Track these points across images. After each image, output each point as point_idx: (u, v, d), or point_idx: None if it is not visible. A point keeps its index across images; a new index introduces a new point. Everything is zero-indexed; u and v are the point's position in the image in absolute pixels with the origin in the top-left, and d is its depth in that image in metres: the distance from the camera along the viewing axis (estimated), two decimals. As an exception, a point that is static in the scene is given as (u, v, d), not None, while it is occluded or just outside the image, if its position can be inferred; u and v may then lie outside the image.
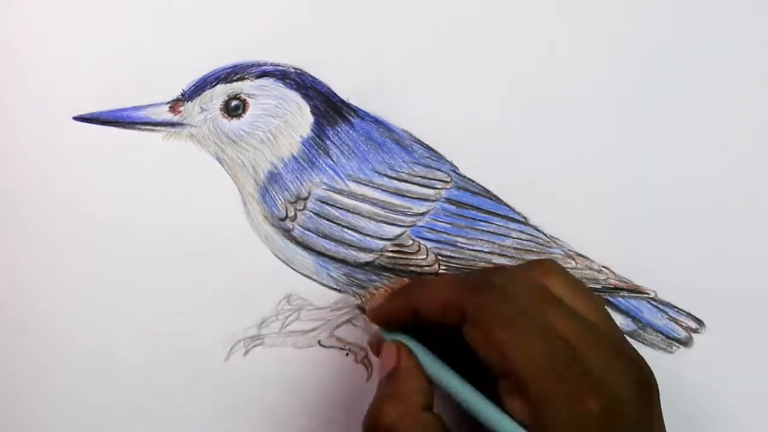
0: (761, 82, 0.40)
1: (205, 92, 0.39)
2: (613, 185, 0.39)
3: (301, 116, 0.39)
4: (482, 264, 0.39)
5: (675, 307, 0.39)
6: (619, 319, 0.39)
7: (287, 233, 0.39)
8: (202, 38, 0.40)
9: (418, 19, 0.40)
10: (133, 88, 0.39)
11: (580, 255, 0.39)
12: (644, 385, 0.30)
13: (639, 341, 0.39)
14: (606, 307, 0.34)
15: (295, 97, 0.39)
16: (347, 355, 0.39)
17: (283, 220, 0.39)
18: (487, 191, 0.39)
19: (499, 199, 0.39)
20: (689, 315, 0.39)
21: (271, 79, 0.39)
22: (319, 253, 0.39)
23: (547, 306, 0.31)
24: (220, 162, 0.39)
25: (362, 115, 0.39)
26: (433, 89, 0.40)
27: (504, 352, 0.30)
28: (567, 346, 0.29)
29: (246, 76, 0.39)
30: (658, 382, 0.31)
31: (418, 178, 0.39)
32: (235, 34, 0.40)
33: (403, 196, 0.39)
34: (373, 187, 0.39)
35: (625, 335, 0.35)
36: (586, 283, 0.39)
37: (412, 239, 0.39)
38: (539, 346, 0.29)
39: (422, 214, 0.39)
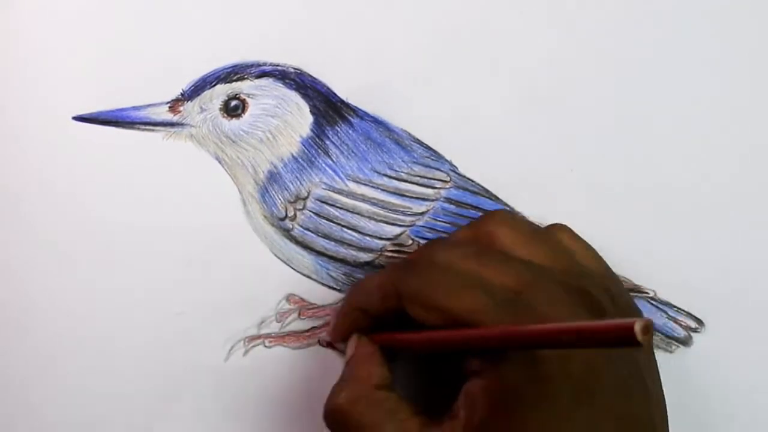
0: (762, 83, 0.40)
1: (205, 92, 0.39)
2: (612, 185, 0.39)
3: (300, 116, 0.39)
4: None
5: (674, 306, 0.39)
6: (618, 319, 0.39)
7: (287, 233, 0.39)
8: (202, 38, 0.40)
9: (418, 19, 0.40)
10: (132, 88, 0.39)
11: (580, 254, 0.39)
12: (596, 312, 0.30)
13: (639, 341, 0.39)
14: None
15: (294, 97, 0.39)
16: (347, 354, 0.39)
17: (282, 219, 0.39)
18: (487, 191, 0.39)
19: (498, 198, 0.39)
20: (689, 314, 0.39)
21: (271, 79, 0.39)
22: (319, 253, 0.39)
23: (486, 262, 0.31)
24: (219, 162, 0.39)
25: (362, 114, 0.39)
26: (433, 89, 0.40)
27: (447, 314, 0.30)
28: (509, 293, 0.30)
29: (246, 76, 0.39)
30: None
31: (418, 178, 0.39)
32: (235, 34, 0.40)
33: (403, 195, 0.39)
34: (372, 186, 0.39)
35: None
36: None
37: (412, 239, 0.39)
38: (482, 299, 0.29)
39: (422, 213, 0.39)
